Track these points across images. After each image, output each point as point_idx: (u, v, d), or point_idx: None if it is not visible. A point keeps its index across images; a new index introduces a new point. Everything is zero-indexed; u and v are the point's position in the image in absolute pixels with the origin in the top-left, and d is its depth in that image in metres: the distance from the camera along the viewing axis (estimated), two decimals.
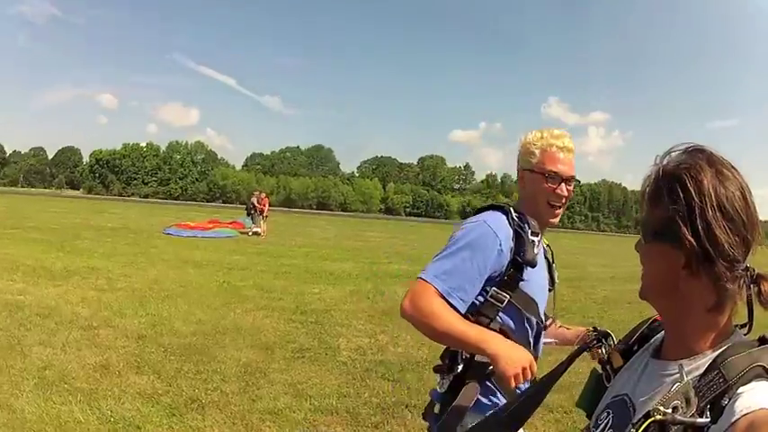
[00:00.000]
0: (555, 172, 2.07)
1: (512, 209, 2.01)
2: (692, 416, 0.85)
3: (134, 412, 4.55)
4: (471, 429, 1.62)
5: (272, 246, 19.93)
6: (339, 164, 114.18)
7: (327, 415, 4.89)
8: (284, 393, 5.27)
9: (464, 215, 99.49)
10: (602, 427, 1.10)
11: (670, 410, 0.85)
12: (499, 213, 2.00)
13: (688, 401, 0.86)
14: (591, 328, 1.89)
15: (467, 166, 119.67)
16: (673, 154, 1.00)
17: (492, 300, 1.94)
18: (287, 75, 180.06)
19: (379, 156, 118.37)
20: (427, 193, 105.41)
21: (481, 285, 1.92)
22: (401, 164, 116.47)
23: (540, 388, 1.46)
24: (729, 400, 0.85)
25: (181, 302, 8.80)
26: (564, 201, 2.11)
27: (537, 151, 2.09)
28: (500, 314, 1.96)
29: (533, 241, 1.99)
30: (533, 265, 1.96)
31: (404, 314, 1.88)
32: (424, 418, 2.14)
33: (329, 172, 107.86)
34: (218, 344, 6.72)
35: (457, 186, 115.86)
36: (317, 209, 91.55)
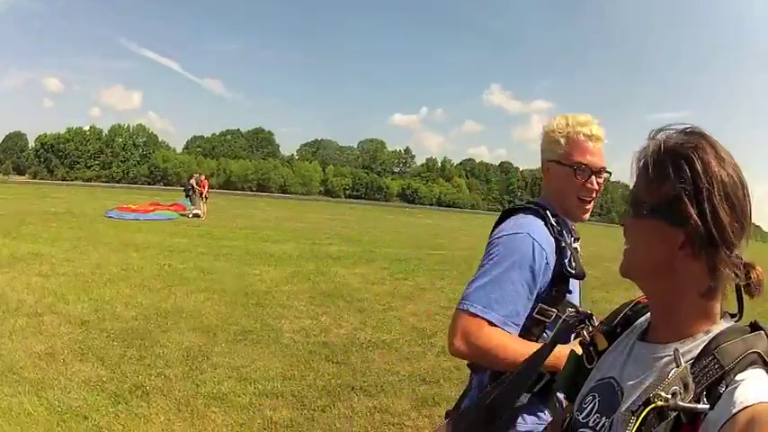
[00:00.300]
0: (584, 164, 1.86)
1: (548, 212, 1.82)
2: (691, 402, 0.83)
3: (80, 401, 4.44)
4: (456, 420, 1.55)
5: (212, 228, 19.60)
6: (279, 146, 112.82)
7: (273, 398, 4.83)
8: (228, 377, 5.19)
9: (404, 198, 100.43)
10: (587, 410, 1.08)
11: (670, 396, 0.83)
12: (539, 221, 1.81)
13: (686, 387, 0.84)
14: (572, 310, 1.77)
15: (407, 150, 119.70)
16: (669, 132, 0.99)
17: (538, 317, 1.77)
18: (228, 58, 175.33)
19: (319, 139, 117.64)
20: (367, 175, 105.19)
21: (531, 305, 1.75)
22: (341, 147, 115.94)
23: (524, 373, 1.40)
24: (727, 387, 0.84)
25: (123, 286, 8.62)
26: (594, 195, 1.91)
27: (562, 140, 1.89)
28: (546, 330, 1.79)
29: (576, 248, 1.86)
30: (582, 278, 1.81)
31: (458, 354, 1.72)
32: (447, 417, 1.91)
33: (269, 155, 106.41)
34: (160, 327, 6.60)
35: (397, 170, 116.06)
36: (256, 191, 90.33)
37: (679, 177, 0.93)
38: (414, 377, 5.62)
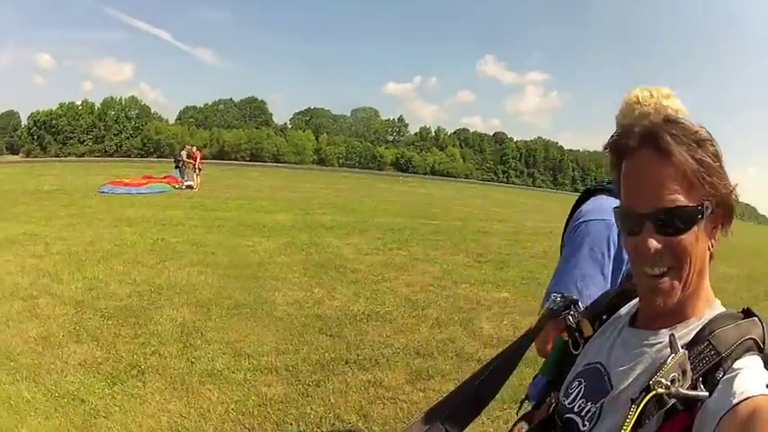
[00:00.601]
0: None
1: None
2: (688, 389, 0.82)
3: (77, 384, 4.44)
4: (442, 402, 1.49)
5: (205, 199, 19.50)
6: (272, 115, 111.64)
7: (267, 374, 4.84)
8: (222, 353, 5.19)
9: (398, 167, 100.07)
10: (573, 396, 1.06)
11: (670, 383, 0.81)
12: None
13: (684, 373, 0.82)
14: (557, 295, 1.74)
15: (400, 119, 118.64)
16: (666, 125, 0.93)
17: None
18: (220, 26, 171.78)
19: (312, 107, 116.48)
20: (360, 144, 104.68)
21: None
22: (334, 115, 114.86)
23: (509, 358, 1.31)
24: (724, 373, 0.83)
25: (116, 263, 8.58)
26: None
27: (652, 113, 1.64)
28: None
29: None
30: None
31: None
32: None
33: (262, 123, 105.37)
34: (153, 304, 6.59)
35: (390, 138, 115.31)
36: (249, 161, 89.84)
37: (722, 168, 0.92)
38: (408, 350, 5.64)
